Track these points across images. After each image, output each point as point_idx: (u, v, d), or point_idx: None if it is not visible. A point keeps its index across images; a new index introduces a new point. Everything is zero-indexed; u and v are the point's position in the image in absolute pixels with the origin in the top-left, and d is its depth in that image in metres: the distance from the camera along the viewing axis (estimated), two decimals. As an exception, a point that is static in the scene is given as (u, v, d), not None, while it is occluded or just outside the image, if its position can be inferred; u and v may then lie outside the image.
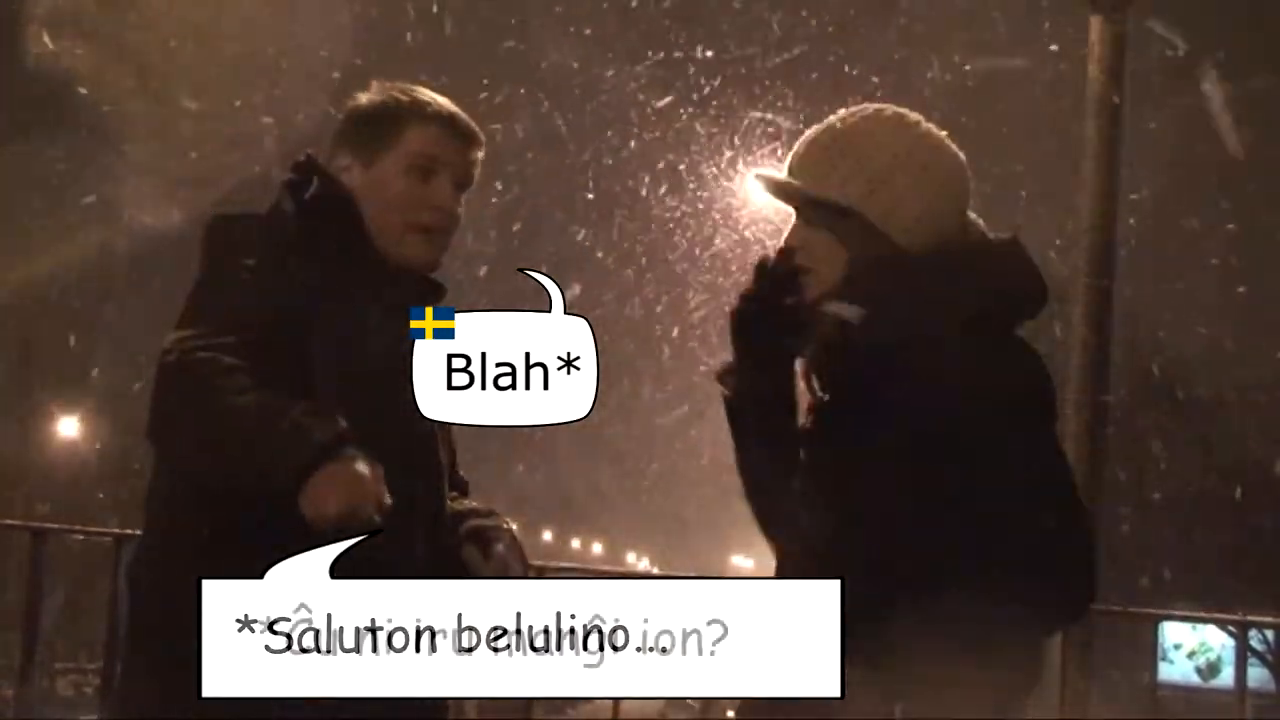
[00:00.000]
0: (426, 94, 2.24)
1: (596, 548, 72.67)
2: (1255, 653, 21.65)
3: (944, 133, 2.01)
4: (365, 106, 2.25)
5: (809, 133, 2.00)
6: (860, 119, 1.98)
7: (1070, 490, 1.89)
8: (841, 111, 2.01)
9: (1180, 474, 22.04)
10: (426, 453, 2.18)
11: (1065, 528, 1.82)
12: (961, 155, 2.00)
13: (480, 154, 2.26)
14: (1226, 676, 21.76)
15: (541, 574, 3.18)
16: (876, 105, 2.01)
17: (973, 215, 2.02)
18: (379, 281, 2.15)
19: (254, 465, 1.82)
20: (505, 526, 2.25)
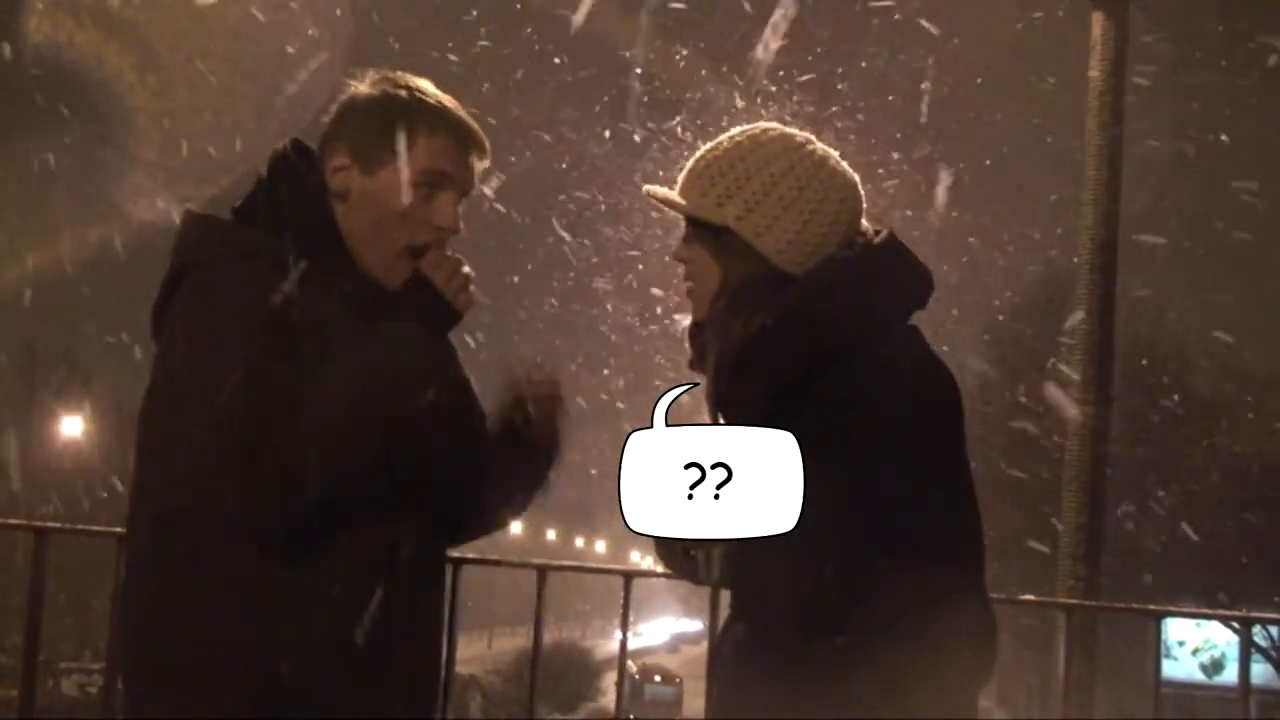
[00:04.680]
0: (433, 97, 2.09)
1: (599, 546, 72.68)
2: (1259, 649, 21.65)
3: (833, 153, 2.04)
4: (367, 102, 2.09)
5: (699, 151, 2.05)
6: (745, 139, 2.02)
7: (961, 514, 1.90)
8: (732, 130, 2.05)
9: (1184, 470, 22.02)
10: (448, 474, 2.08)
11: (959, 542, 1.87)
12: (848, 175, 2.02)
13: (486, 162, 2.12)
14: (1231, 673, 21.75)
15: (544, 571, 3.18)
16: (765, 125, 2.04)
17: (865, 224, 2.03)
18: (370, 297, 2.03)
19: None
20: (556, 395, 2.22)
